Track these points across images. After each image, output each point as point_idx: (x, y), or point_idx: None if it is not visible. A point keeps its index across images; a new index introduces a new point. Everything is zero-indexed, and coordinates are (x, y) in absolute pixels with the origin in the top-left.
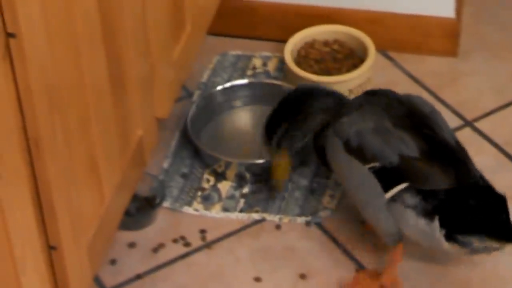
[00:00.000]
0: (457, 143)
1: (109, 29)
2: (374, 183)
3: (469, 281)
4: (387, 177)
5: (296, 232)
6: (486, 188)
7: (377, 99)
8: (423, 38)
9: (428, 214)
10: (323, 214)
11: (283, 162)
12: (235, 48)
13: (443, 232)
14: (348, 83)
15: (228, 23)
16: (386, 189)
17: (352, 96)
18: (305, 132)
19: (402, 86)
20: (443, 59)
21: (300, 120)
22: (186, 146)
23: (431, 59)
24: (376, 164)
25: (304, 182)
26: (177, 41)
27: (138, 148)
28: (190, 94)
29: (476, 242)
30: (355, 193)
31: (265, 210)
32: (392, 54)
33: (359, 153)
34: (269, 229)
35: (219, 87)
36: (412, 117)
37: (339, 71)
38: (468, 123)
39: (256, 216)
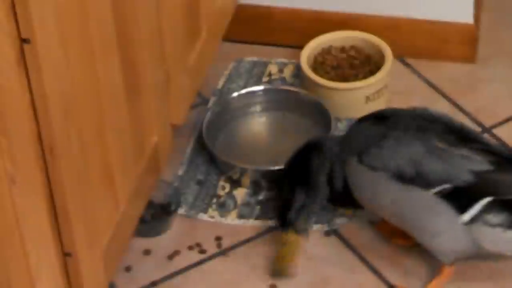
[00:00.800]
0: (506, 147)
1: (124, 36)
2: (444, 207)
3: None
4: (461, 197)
5: (313, 239)
6: None
7: (398, 121)
8: (441, 44)
9: None
10: (339, 221)
11: (294, 241)
12: (251, 54)
13: None
14: (364, 90)
15: (243, 29)
16: (462, 209)
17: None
18: (321, 201)
19: (420, 93)
20: (461, 66)
21: (312, 190)
22: (202, 153)
23: (449, 66)
24: (445, 187)
25: None
26: (192, 48)
27: (153, 154)
28: (205, 101)
29: None
30: (419, 222)
31: None
32: (410, 60)
33: (419, 180)
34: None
35: (235, 94)
36: (453, 132)
37: (355, 78)
38: (486, 130)
39: (271, 223)
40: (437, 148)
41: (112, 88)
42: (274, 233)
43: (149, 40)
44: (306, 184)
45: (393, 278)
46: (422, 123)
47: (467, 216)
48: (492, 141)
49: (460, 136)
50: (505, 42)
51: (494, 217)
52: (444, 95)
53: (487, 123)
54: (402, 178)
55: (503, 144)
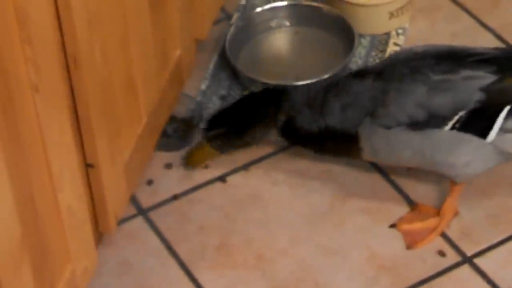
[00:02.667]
0: (505, 50)
1: None
2: (467, 138)
3: None
4: (481, 117)
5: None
6: None
7: (391, 72)
8: None
9: None
10: None
11: (207, 152)
12: None
13: None
14: (388, 6)
15: None
16: (485, 130)
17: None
18: (242, 144)
19: (443, 10)
20: None
21: (241, 130)
22: (224, 68)
23: None
24: (461, 115)
25: None
26: None
27: (176, 68)
28: (229, 16)
29: None
30: (447, 160)
31: None
32: None
33: (433, 119)
34: (307, 152)
35: (258, 9)
36: (444, 59)
37: None
38: (510, 46)
39: None
40: (437, 82)
41: (137, 0)
42: (296, 149)
43: None
44: (243, 122)
45: (415, 195)
46: (412, 64)
47: (492, 134)
48: (483, 49)
49: (453, 60)
50: None
51: (511, 122)
52: (468, 11)
53: (511, 39)
54: (417, 125)
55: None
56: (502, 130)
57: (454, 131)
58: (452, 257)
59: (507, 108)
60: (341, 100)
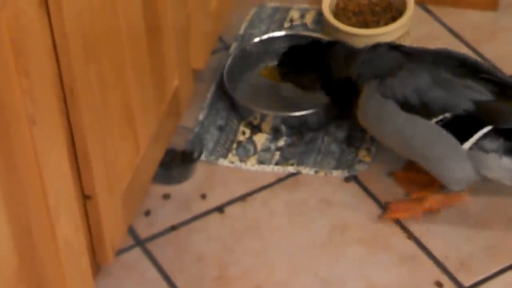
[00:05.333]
0: None
1: None
2: (446, 136)
3: None
4: (463, 126)
5: (332, 185)
6: None
7: (418, 56)
8: None
9: None
10: (359, 167)
11: (272, 73)
12: (273, 0)
13: None
14: (386, 36)
15: None
16: (463, 138)
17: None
18: (297, 82)
19: (441, 40)
20: (482, 13)
21: (297, 69)
22: (222, 98)
23: (470, 13)
24: (446, 115)
25: (340, 135)
26: None
27: (174, 98)
28: (227, 46)
29: None
30: (422, 150)
31: (300, 163)
32: (431, 7)
33: (422, 109)
34: (305, 182)
35: (256, 39)
36: (465, 66)
37: (377, 24)
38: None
39: (291, 169)
40: (442, 79)
41: (133, 30)
42: (294, 179)
43: None
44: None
45: (412, 226)
46: (437, 58)
47: (467, 143)
48: (498, 73)
49: (471, 70)
50: None
51: (491, 143)
52: (466, 42)
53: (508, 70)
54: (407, 107)
55: None
56: (479, 147)
57: (437, 126)
58: (449, 287)
59: (488, 128)
60: (367, 56)
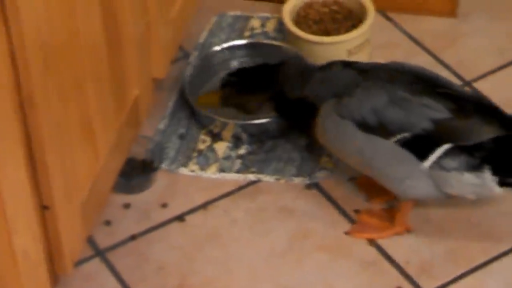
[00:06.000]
0: (477, 94)
1: None
2: (406, 155)
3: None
4: (422, 144)
5: (293, 193)
6: None
7: (372, 73)
8: None
9: (477, 167)
10: (320, 174)
11: (213, 98)
12: (233, 8)
13: (496, 179)
14: (346, 44)
15: None
16: (423, 157)
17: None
18: (241, 105)
19: (401, 47)
20: (442, 20)
21: (245, 90)
22: (183, 107)
23: (430, 20)
24: (405, 135)
25: (301, 142)
26: (174, 1)
27: (134, 108)
28: (187, 55)
29: None
30: (383, 170)
31: (261, 171)
32: (392, 14)
33: (380, 129)
34: (266, 190)
35: (217, 48)
36: (421, 82)
37: (338, 32)
38: (467, 83)
39: (252, 177)
40: (399, 98)
41: (93, 39)
42: (255, 186)
43: None
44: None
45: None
46: (392, 74)
47: (427, 162)
48: (457, 87)
49: (428, 85)
50: None
51: (451, 161)
52: (426, 49)
53: (467, 76)
54: (365, 127)
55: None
56: (439, 165)
57: (397, 145)
58: None
59: (446, 146)
60: (322, 76)
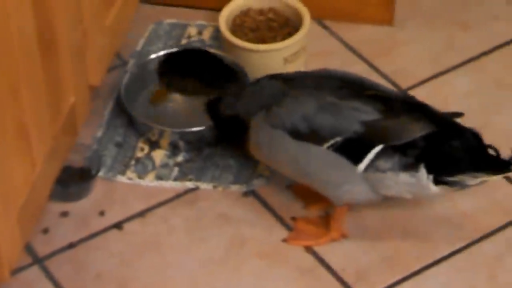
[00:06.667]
0: (404, 93)
1: None
2: (340, 160)
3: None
4: (355, 148)
5: (230, 200)
6: (462, 128)
7: (299, 81)
8: (359, 6)
9: (411, 166)
10: (257, 182)
11: (163, 93)
12: (170, 16)
13: (431, 177)
14: (282, 51)
15: None
16: (357, 160)
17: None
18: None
19: (338, 55)
20: (378, 28)
21: (192, 84)
22: (120, 114)
23: (366, 28)
24: (337, 139)
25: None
26: (110, 8)
27: (70, 115)
28: (124, 63)
29: (469, 180)
30: (318, 177)
31: (199, 179)
32: (328, 22)
33: (312, 136)
34: (203, 198)
35: (153, 55)
36: (348, 86)
37: (274, 40)
38: (403, 92)
39: (190, 184)
40: (328, 104)
41: (27, 46)
42: (192, 194)
43: None
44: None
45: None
46: (319, 81)
47: (362, 165)
48: (386, 88)
49: (355, 89)
50: (422, 5)
51: (385, 162)
52: (362, 57)
53: (403, 85)
54: (297, 135)
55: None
56: (374, 167)
57: (330, 151)
58: None
59: (379, 147)
60: (251, 91)
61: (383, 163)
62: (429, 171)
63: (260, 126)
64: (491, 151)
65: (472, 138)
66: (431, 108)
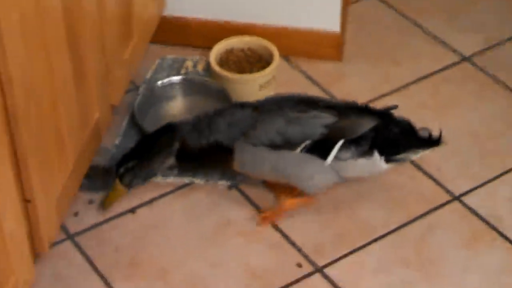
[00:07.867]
0: (350, 101)
1: (73, 36)
2: (311, 158)
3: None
4: (322, 146)
5: (218, 192)
6: (398, 118)
7: (263, 107)
8: (315, 46)
9: (366, 152)
10: (239, 178)
11: (119, 192)
12: (172, 53)
13: (383, 158)
14: (258, 80)
15: (166, 34)
16: (325, 155)
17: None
18: (148, 175)
19: (300, 84)
20: (331, 63)
21: (145, 162)
22: (134, 127)
23: (322, 63)
24: (307, 143)
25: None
26: (126, 47)
27: (95, 126)
28: (137, 87)
29: (411, 155)
30: (295, 174)
31: (194, 176)
32: (292, 58)
33: (287, 144)
34: (197, 190)
35: (159, 82)
36: (303, 102)
37: (251, 71)
38: (346, 101)
39: (187, 180)
40: (293, 118)
41: (64, 75)
42: (189, 187)
43: (92, 41)
44: (146, 155)
45: (278, 220)
46: (279, 103)
47: (329, 158)
48: (331, 99)
49: (307, 103)
50: (364, 46)
51: (346, 153)
52: (318, 85)
53: None
54: (275, 147)
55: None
56: (337, 158)
57: (302, 153)
58: (307, 267)
59: (341, 142)
60: (227, 121)
61: (344, 154)
62: (380, 154)
63: (243, 147)
64: (425, 132)
65: (407, 125)
66: (371, 108)
